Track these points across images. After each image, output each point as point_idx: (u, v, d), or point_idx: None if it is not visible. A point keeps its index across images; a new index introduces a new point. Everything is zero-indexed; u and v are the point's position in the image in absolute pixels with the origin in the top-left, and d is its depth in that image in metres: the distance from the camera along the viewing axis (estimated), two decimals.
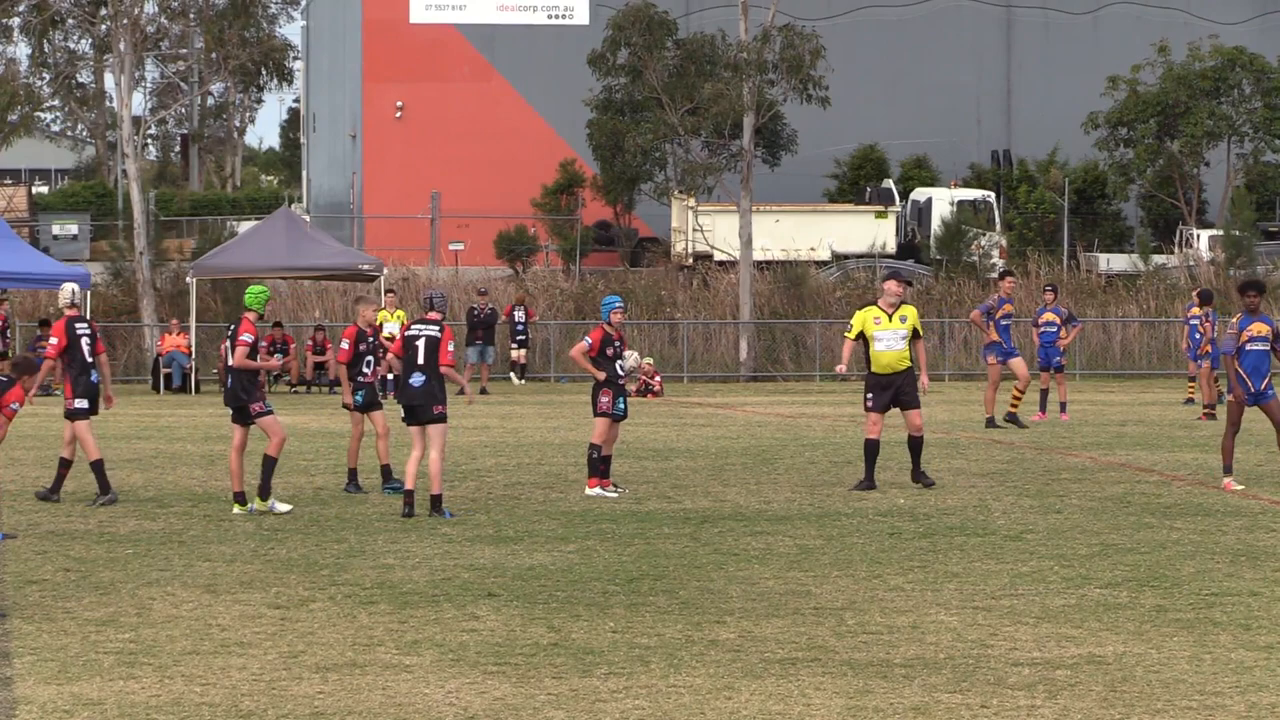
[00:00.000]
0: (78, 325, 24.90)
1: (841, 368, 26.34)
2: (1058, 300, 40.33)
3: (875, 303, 26.22)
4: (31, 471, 27.61)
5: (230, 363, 23.52)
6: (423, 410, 23.09)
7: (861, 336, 25.83)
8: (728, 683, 13.76)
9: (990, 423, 36.00)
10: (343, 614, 16.53)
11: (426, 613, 16.56)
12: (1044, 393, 38.59)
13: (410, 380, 23.08)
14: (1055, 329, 38.72)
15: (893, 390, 25.76)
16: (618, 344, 25.31)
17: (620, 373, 25.38)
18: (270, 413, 23.57)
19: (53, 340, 25.32)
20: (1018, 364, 36.61)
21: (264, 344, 24.50)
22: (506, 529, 21.94)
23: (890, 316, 25.70)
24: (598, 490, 25.04)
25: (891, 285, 26.14)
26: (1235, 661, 14.48)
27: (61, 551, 20.16)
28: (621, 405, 25.28)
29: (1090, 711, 12.87)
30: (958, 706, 13.02)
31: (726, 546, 20.49)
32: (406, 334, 23.48)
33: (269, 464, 23.49)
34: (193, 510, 23.67)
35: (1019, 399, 36.22)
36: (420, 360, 23.02)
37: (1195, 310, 41.25)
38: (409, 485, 23.19)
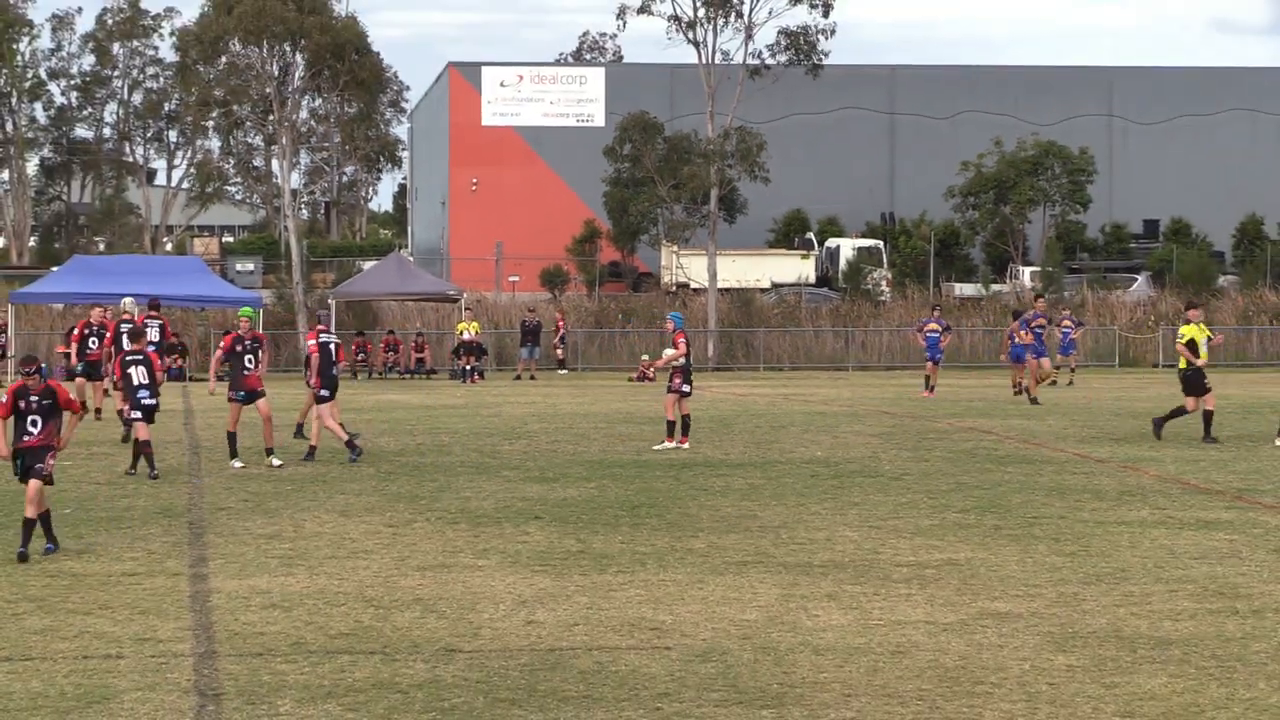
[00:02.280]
0: (123, 324, 26.63)
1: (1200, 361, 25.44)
2: (941, 315, 40.58)
3: (1192, 322, 25.64)
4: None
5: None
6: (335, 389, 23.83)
7: (1191, 343, 25.47)
8: (699, 578, 13.72)
9: (1031, 398, 34.86)
10: (435, 531, 16.49)
11: (493, 530, 16.52)
12: (927, 378, 38.55)
13: (333, 372, 23.54)
14: (937, 334, 38.70)
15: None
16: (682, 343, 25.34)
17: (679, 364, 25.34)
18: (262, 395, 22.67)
19: (105, 334, 27.66)
20: (1045, 361, 35.73)
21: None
22: (548, 472, 21.90)
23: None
24: (671, 445, 24.75)
25: (1199, 313, 26.06)
26: (1049, 564, 14.46)
27: (241, 487, 20.14)
28: (668, 384, 25.54)
29: (949, 598, 12.85)
30: (857, 594, 13.00)
31: (699, 484, 20.46)
32: (321, 342, 23.47)
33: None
34: (331, 459, 23.59)
35: (1042, 382, 35.09)
36: (333, 358, 23.68)
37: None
38: (316, 441, 23.26)
